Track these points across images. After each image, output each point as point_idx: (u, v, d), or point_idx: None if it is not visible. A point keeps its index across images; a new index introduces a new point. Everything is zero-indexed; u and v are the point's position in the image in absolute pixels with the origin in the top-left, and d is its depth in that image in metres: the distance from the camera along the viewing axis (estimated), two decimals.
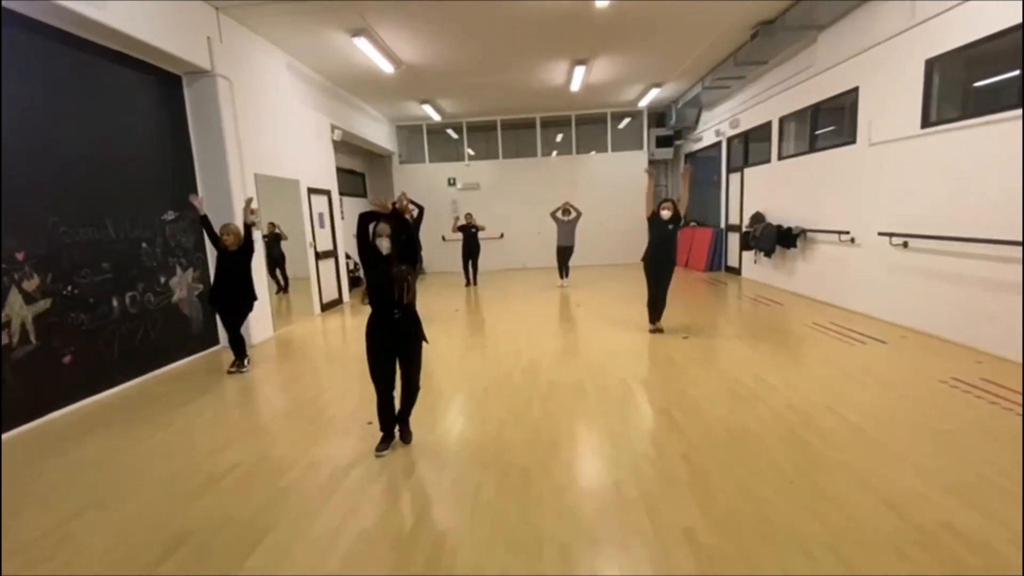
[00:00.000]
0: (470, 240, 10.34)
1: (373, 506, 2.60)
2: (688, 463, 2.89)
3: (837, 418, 3.39)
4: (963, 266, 4.77)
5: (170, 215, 5.42)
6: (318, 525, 2.45)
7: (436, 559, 2.18)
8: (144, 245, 5.07)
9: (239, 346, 5.04)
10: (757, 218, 8.79)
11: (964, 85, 5.05)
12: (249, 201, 5.16)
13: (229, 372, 5.00)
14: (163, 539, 2.39)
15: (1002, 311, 4.40)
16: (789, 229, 7.76)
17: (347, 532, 2.38)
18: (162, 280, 5.27)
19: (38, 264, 3.98)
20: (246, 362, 5.09)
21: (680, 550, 2.15)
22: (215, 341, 6.06)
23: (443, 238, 12.40)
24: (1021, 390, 3.60)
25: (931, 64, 5.07)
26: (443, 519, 2.48)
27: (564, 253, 9.70)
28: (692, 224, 12.41)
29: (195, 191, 5.82)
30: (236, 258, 4.85)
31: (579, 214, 9.56)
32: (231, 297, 4.91)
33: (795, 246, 7.71)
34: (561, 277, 9.83)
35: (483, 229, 10.50)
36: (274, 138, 6.94)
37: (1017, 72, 4.32)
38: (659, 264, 5.68)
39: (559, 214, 9.54)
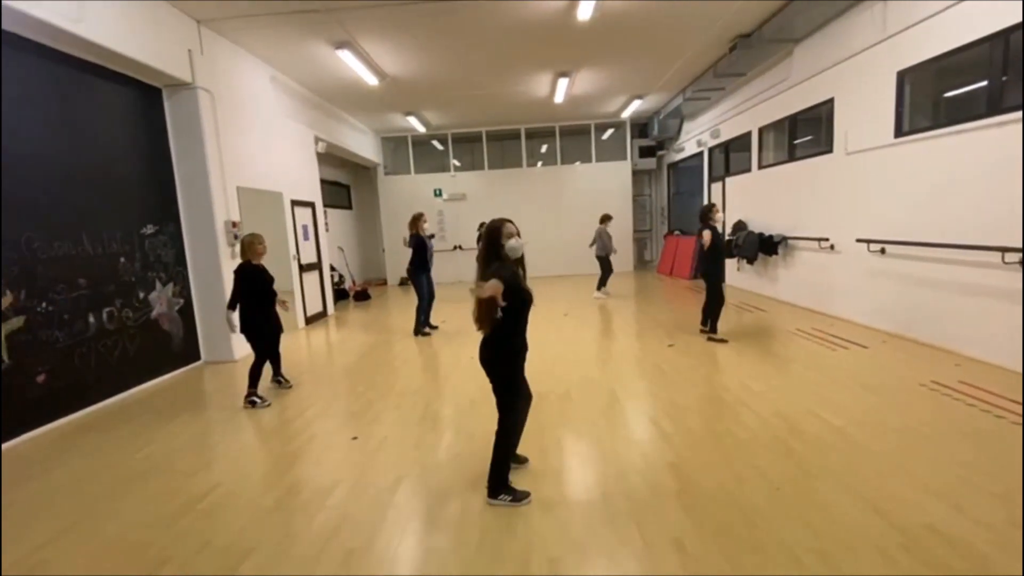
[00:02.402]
0: None
1: (358, 525, 2.54)
2: (676, 472, 2.88)
3: (821, 423, 3.42)
4: (938, 271, 4.88)
5: (149, 229, 5.33)
6: (301, 546, 2.39)
7: None
8: (122, 260, 4.97)
9: (279, 362, 4.85)
10: (739, 226, 8.92)
11: (934, 96, 5.21)
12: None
13: (279, 384, 4.81)
14: (141, 564, 2.31)
15: (977, 314, 4.50)
16: (770, 237, 7.88)
17: (332, 552, 2.33)
18: (141, 295, 5.17)
19: (12, 281, 3.87)
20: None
21: (669, 560, 2.14)
22: (196, 357, 5.93)
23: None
24: (1021, 400, 3.59)
25: (902, 76, 5.22)
26: (430, 536, 2.44)
27: (598, 263, 9.36)
28: (676, 233, 12.56)
29: (175, 204, 5.74)
30: (266, 275, 4.50)
31: (608, 236, 9.34)
32: (273, 316, 4.55)
33: (777, 253, 7.83)
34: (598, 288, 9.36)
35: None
36: (257, 150, 6.88)
37: (984, 83, 4.47)
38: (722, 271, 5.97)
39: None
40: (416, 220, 6.82)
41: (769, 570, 2.05)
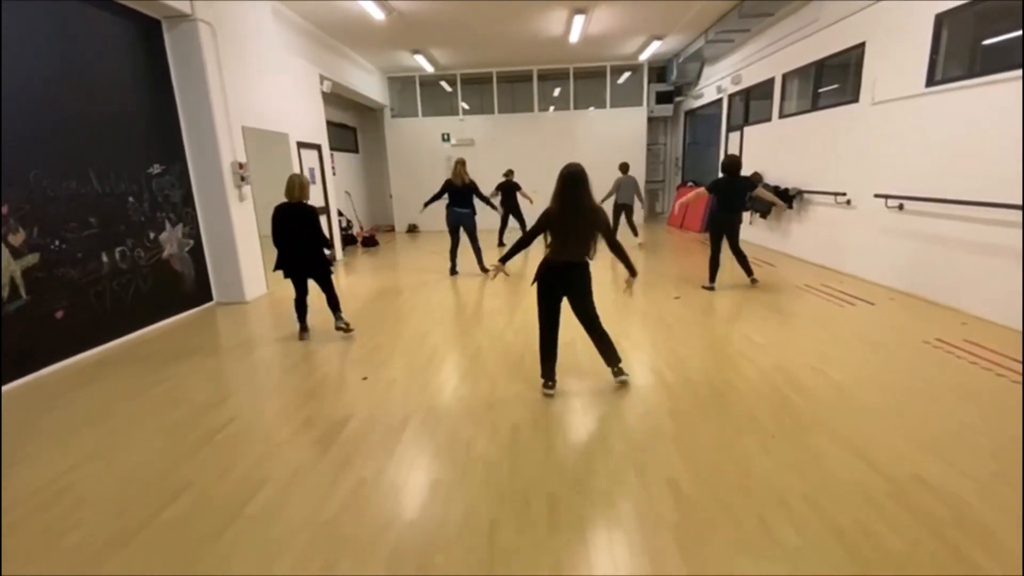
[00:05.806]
0: (510, 198, 9.86)
1: (369, 459, 2.67)
2: (674, 419, 2.97)
3: (821, 377, 3.47)
4: (954, 228, 4.78)
5: (156, 168, 5.29)
6: (315, 476, 2.53)
7: (429, 508, 2.27)
8: (131, 199, 4.97)
9: (336, 303, 4.76)
10: (755, 178, 8.69)
11: (972, 43, 4.90)
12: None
13: (340, 329, 4.71)
14: (163, 489, 2.47)
15: (990, 274, 4.45)
16: (786, 190, 7.70)
17: (343, 482, 2.46)
18: (151, 235, 5.20)
19: (23, 218, 3.91)
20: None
21: (663, 500, 2.25)
22: (208, 298, 6.05)
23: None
24: (1021, 358, 3.60)
25: (940, 19, 4.90)
26: (436, 471, 2.56)
27: (618, 211, 9.24)
28: (689, 184, 12.29)
29: (181, 144, 5.66)
30: (305, 210, 4.45)
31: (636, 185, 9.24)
32: (315, 254, 4.56)
33: (791, 207, 7.67)
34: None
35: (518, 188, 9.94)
36: (261, 89, 6.68)
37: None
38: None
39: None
40: (463, 165, 7.18)
41: (758, 512, 2.15)
